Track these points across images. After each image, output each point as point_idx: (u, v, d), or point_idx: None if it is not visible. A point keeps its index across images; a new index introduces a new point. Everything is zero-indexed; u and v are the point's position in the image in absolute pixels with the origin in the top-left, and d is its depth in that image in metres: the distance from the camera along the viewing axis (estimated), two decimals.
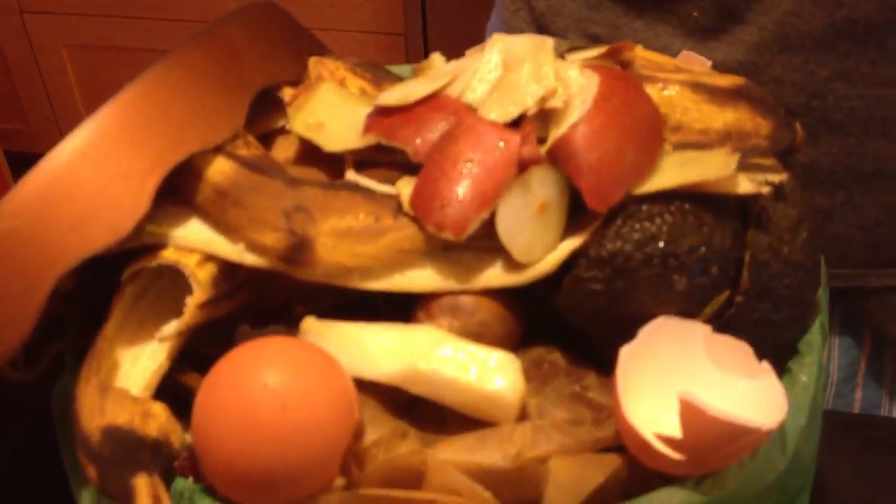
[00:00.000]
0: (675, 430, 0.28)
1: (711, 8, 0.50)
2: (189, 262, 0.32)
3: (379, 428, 0.30)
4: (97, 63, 1.89)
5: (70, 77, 1.92)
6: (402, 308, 0.32)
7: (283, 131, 0.36)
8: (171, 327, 0.32)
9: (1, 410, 0.45)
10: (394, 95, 0.33)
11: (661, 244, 0.30)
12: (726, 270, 0.31)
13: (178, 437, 0.30)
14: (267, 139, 0.36)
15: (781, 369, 0.32)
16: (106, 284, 0.34)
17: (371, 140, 0.33)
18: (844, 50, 0.49)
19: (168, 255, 0.32)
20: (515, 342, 0.32)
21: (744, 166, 0.32)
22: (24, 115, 1.99)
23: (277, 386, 0.28)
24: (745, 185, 0.31)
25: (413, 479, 0.29)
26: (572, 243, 0.31)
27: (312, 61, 0.37)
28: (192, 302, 0.31)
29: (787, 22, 0.50)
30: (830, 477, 0.44)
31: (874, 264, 0.57)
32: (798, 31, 0.49)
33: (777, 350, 0.32)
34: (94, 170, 0.31)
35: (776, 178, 0.32)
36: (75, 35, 1.87)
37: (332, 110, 0.34)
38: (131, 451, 0.29)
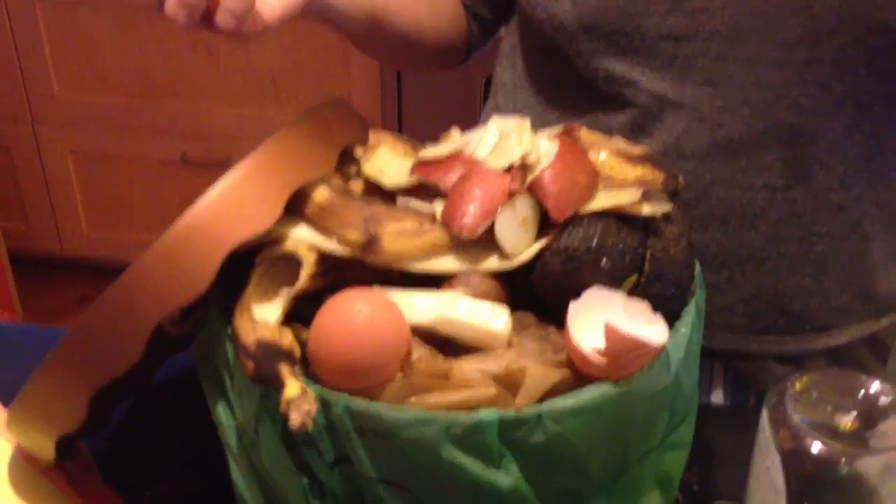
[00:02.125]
0: (601, 346, 0.47)
1: (627, 124, 0.71)
2: (301, 250, 0.51)
3: (420, 349, 0.49)
4: (99, 170, 2.07)
5: (73, 183, 2.10)
6: (436, 283, 0.51)
7: (355, 175, 0.55)
8: (289, 291, 0.50)
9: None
10: (430, 152, 0.53)
11: (595, 241, 0.50)
12: (635, 261, 0.51)
13: (297, 348, 0.48)
14: (345, 181, 0.55)
15: (669, 326, 0.51)
16: (238, 269, 0.52)
17: (415, 180, 0.53)
18: (723, 161, 0.70)
19: (288, 245, 0.51)
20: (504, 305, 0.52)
21: (647, 199, 0.52)
22: (26, 216, 2.14)
23: (367, 310, 0.47)
24: (647, 209, 0.51)
25: (443, 378, 0.48)
26: (541, 243, 0.51)
27: (371, 132, 0.57)
28: (304, 273, 0.50)
29: (682, 138, 0.70)
30: None
31: (753, 331, 0.76)
32: (690, 145, 0.69)
33: (666, 314, 0.51)
34: (249, 189, 0.50)
35: (667, 207, 0.52)
36: (81, 143, 2.05)
37: (388, 161, 0.54)
38: (274, 353, 0.47)
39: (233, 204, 0.49)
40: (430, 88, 1.77)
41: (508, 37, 0.82)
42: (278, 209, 0.49)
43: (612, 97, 0.70)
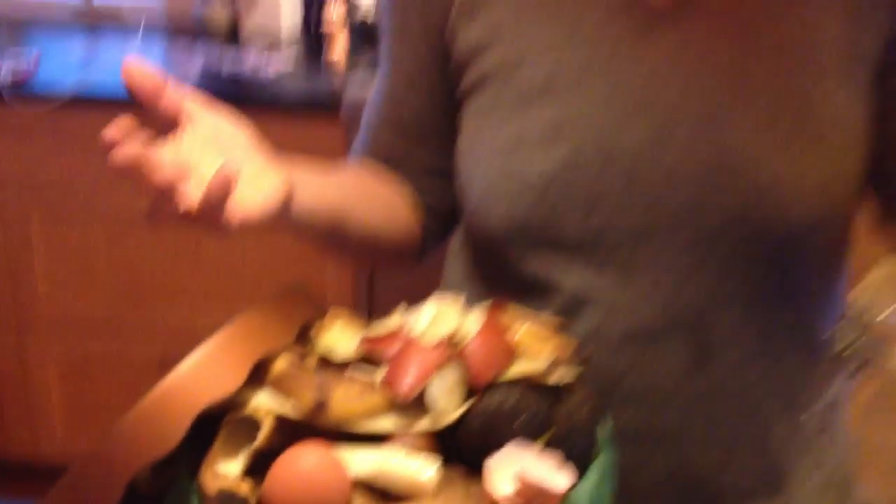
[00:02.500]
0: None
1: (556, 312, 0.81)
2: (260, 414, 0.59)
3: (360, 499, 0.57)
4: (80, 375, 2.14)
5: (52, 388, 2.16)
6: (380, 439, 0.60)
7: (310, 351, 0.65)
8: (249, 449, 0.59)
9: None
10: (375, 330, 0.63)
11: (510, 405, 0.59)
12: (546, 422, 0.60)
13: (254, 497, 0.56)
14: (303, 354, 0.65)
15: (577, 478, 0.59)
16: (200, 435, 0.60)
17: (362, 353, 0.62)
18: (635, 348, 0.78)
19: (249, 410, 0.59)
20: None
21: (555, 369, 0.61)
22: (2, 419, 2.19)
23: (313, 464, 0.55)
24: (555, 378, 0.61)
25: None
26: (465, 406, 0.60)
27: (331, 310, 0.67)
28: (262, 434, 0.58)
29: (599, 328, 0.78)
30: None
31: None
32: (606, 335, 0.78)
33: (574, 467, 0.59)
34: (217, 361, 0.59)
35: (572, 376, 0.62)
36: (63, 350, 2.13)
37: (341, 337, 0.64)
38: (232, 500, 0.55)
39: (202, 373, 0.58)
40: (398, 284, 1.91)
41: (455, 239, 0.94)
42: (241, 378, 0.59)
43: (539, 293, 0.81)
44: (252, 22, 2.39)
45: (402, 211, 0.93)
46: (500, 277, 0.84)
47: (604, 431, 0.64)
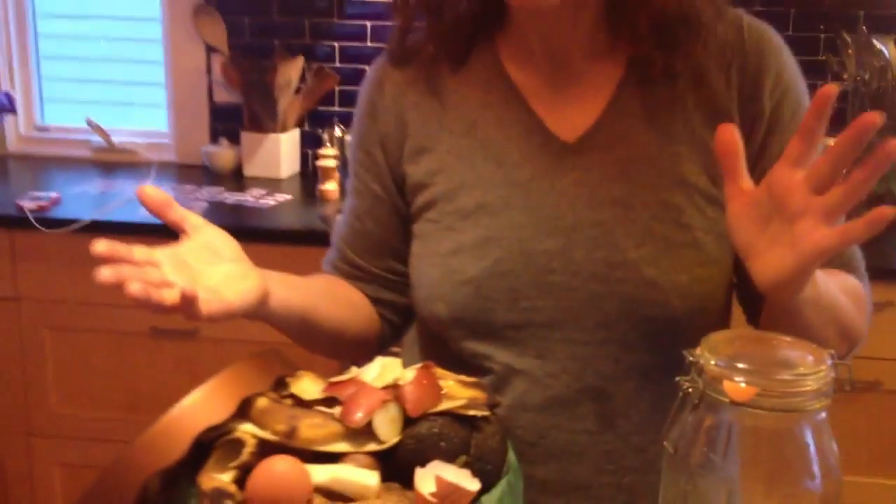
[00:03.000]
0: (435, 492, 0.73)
1: (490, 382, 1.00)
2: (245, 437, 0.78)
3: (319, 499, 0.74)
4: (84, 480, 2.28)
5: (57, 490, 2.30)
6: (335, 459, 0.78)
7: (286, 394, 0.84)
8: (236, 463, 0.76)
9: None
10: (335, 379, 0.82)
11: (436, 431, 0.77)
12: (464, 446, 0.78)
13: (239, 494, 0.74)
14: (279, 396, 0.83)
15: (485, 491, 0.77)
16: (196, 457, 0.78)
17: (325, 394, 0.81)
18: (553, 412, 0.98)
19: (237, 434, 0.78)
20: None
21: (472, 406, 0.80)
22: None
23: (283, 469, 0.73)
24: (472, 412, 0.79)
25: None
26: (402, 433, 0.78)
27: (300, 372, 0.86)
28: (246, 451, 0.77)
29: (524, 395, 0.98)
30: None
31: None
32: (530, 401, 0.98)
33: (484, 482, 0.77)
34: (210, 398, 0.78)
35: (486, 412, 0.80)
36: (69, 455, 2.28)
37: (307, 385, 0.83)
38: (222, 494, 0.72)
39: (200, 407, 0.77)
40: None
41: (410, 332, 1.14)
42: (230, 411, 0.77)
43: (476, 368, 1.00)
44: (254, 161, 2.65)
45: (365, 310, 1.13)
46: (446, 356, 1.03)
47: (510, 457, 0.82)
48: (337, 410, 0.80)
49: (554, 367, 0.98)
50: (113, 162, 2.80)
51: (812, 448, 0.76)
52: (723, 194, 0.99)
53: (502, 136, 1.03)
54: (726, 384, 0.74)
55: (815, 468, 0.76)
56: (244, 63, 2.63)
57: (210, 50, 2.71)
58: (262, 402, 0.80)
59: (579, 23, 0.99)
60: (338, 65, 2.70)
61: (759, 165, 0.96)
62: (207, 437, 0.78)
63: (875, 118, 0.73)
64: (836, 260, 1.00)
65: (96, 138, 2.79)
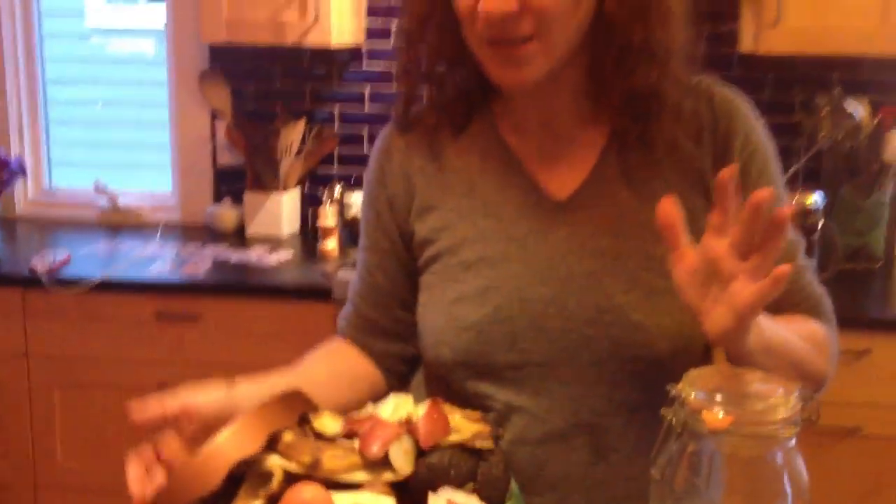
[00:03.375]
0: None
1: (492, 419, 1.09)
2: (274, 469, 0.86)
3: None
4: None
5: None
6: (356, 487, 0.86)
7: (309, 429, 0.92)
8: (265, 492, 0.85)
9: None
10: (353, 415, 0.91)
11: (447, 460, 0.86)
12: (472, 473, 0.86)
13: None
14: (303, 430, 0.92)
15: None
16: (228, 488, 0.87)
17: (345, 430, 0.90)
18: (551, 445, 1.06)
19: (266, 466, 0.86)
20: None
21: (478, 438, 0.88)
22: None
23: (309, 496, 0.81)
24: (478, 444, 0.88)
25: None
26: (415, 463, 0.87)
27: (320, 410, 0.94)
28: (274, 482, 0.85)
29: (524, 430, 1.06)
30: None
31: None
32: (529, 436, 1.06)
33: None
34: (242, 436, 0.86)
35: (490, 445, 0.89)
36: None
37: (328, 422, 0.91)
38: None
39: (233, 442, 0.85)
40: None
41: (417, 376, 1.22)
42: (260, 445, 0.86)
43: (478, 406, 1.09)
44: (257, 220, 2.74)
45: (368, 379, 1.20)
46: (451, 396, 1.11)
47: (512, 485, 0.90)
48: (356, 443, 0.88)
49: (550, 404, 1.07)
50: (119, 223, 2.89)
51: (784, 472, 0.84)
52: None
53: (500, 196, 1.13)
54: (705, 414, 0.83)
55: (788, 490, 0.84)
56: (248, 126, 2.74)
57: (214, 114, 2.83)
58: (287, 437, 0.88)
59: (563, 95, 1.10)
60: (337, 127, 2.82)
61: None
62: (238, 469, 0.86)
63: (764, 195, 0.84)
64: (802, 304, 1.10)
65: (102, 200, 2.89)
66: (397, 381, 1.23)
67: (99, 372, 2.34)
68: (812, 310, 1.10)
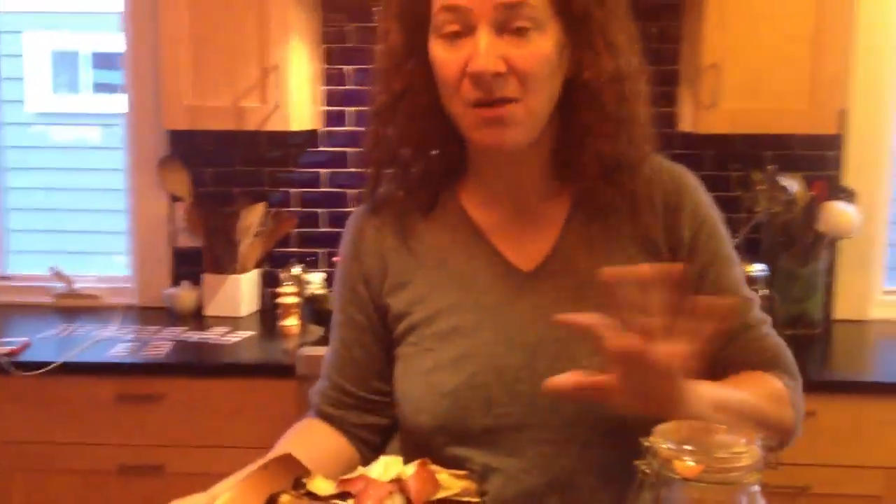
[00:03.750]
0: None
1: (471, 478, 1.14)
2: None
3: None
4: None
5: None
6: None
7: (304, 492, 0.96)
8: None
9: None
10: (346, 476, 0.96)
11: None
12: None
13: None
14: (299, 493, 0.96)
15: None
16: None
17: (338, 490, 0.94)
18: (525, 502, 1.13)
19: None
20: None
21: (465, 494, 0.94)
22: None
23: None
24: (467, 498, 0.93)
25: None
26: None
27: (313, 473, 0.99)
28: None
29: (501, 489, 1.12)
30: None
31: None
32: (505, 494, 1.10)
33: None
34: (242, 498, 0.90)
35: (478, 499, 0.94)
36: None
37: (321, 484, 0.96)
38: None
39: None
40: None
41: (392, 443, 1.27)
42: None
43: (458, 468, 1.14)
44: (215, 301, 2.78)
45: (344, 455, 1.23)
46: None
47: None
48: (350, 503, 0.93)
49: (525, 464, 1.13)
50: (75, 307, 2.90)
51: None
52: None
53: (469, 269, 1.20)
54: (676, 463, 0.90)
55: None
56: (206, 209, 2.79)
57: (173, 198, 2.87)
58: (285, 499, 0.93)
59: (530, 167, 1.18)
60: (294, 208, 2.88)
61: (710, 291, 1.16)
62: None
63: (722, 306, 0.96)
64: (759, 359, 1.18)
65: (58, 285, 2.90)
66: (371, 453, 1.26)
67: (60, 456, 2.33)
68: (769, 363, 1.18)
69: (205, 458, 2.22)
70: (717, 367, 1.17)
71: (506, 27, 1.06)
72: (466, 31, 1.07)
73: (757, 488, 0.92)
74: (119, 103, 2.91)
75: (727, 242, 1.21)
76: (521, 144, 1.12)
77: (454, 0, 1.07)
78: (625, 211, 1.18)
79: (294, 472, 0.97)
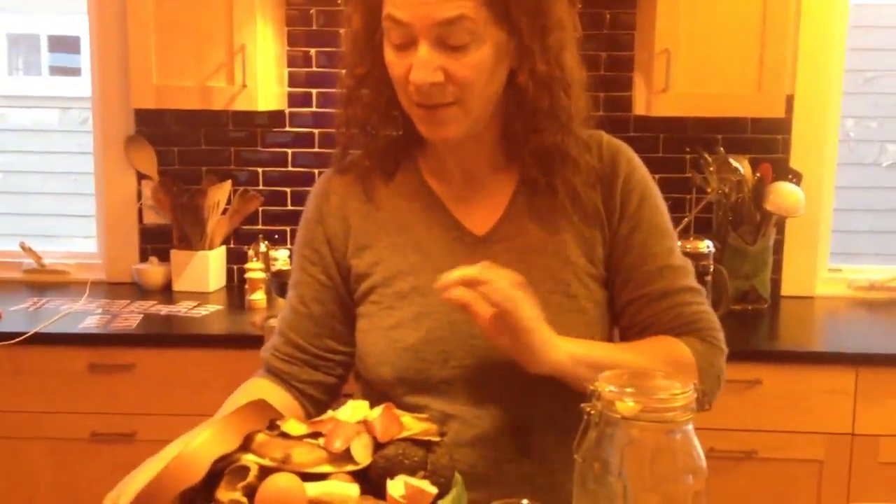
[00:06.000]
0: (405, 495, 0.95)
1: None
2: (249, 464, 0.98)
3: None
4: None
5: None
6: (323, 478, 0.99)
7: (278, 431, 1.05)
8: (242, 484, 0.97)
9: None
10: (317, 418, 1.04)
11: (401, 451, 1.00)
12: (422, 463, 1.00)
13: None
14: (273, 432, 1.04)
15: (441, 496, 0.99)
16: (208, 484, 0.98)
17: (310, 430, 1.03)
18: (481, 446, 1.21)
19: (242, 462, 0.98)
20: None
21: (426, 433, 1.03)
22: None
23: (283, 484, 0.94)
24: (428, 437, 1.02)
25: None
26: (373, 455, 1.00)
27: (285, 416, 1.07)
28: (250, 475, 0.97)
29: (457, 434, 1.20)
30: None
31: None
32: (463, 438, 1.20)
33: (440, 491, 0.99)
34: (221, 436, 0.98)
35: (437, 438, 1.03)
36: None
37: (294, 425, 1.04)
38: None
39: (214, 440, 0.98)
40: None
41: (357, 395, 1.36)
42: (237, 444, 0.98)
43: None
44: (183, 277, 2.84)
45: (288, 412, 1.28)
46: None
47: (457, 474, 1.04)
48: (320, 441, 1.01)
49: (479, 411, 1.22)
50: (44, 282, 2.94)
51: (683, 451, 1.00)
52: (600, 272, 1.27)
53: (427, 233, 1.29)
54: (618, 404, 0.99)
55: (688, 467, 1.00)
56: (174, 187, 2.85)
57: (141, 176, 2.93)
58: (260, 437, 1.01)
59: (479, 148, 1.28)
60: (261, 187, 2.95)
61: (616, 250, 1.27)
62: (217, 467, 0.98)
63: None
64: (673, 324, 1.26)
65: (27, 261, 2.94)
66: (316, 411, 1.33)
67: (32, 424, 2.38)
68: (684, 329, 1.27)
69: (175, 426, 2.25)
70: (634, 328, 1.28)
71: (445, 42, 1.15)
72: (409, 42, 1.17)
73: (690, 427, 1.02)
74: (77, 86, 2.96)
75: (660, 213, 1.31)
76: (463, 138, 1.23)
77: (397, 15, 1.16)
78: (566, 191, 1.27)
79: (268, 416, 1.05)
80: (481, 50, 1.16)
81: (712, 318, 1.30)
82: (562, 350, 1.15)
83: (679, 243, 1.35)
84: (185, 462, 0.96)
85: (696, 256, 2.46)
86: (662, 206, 1.31)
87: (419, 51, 1.15)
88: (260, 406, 1.06)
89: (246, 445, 1.00)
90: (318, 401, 1.35)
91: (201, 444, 0.97)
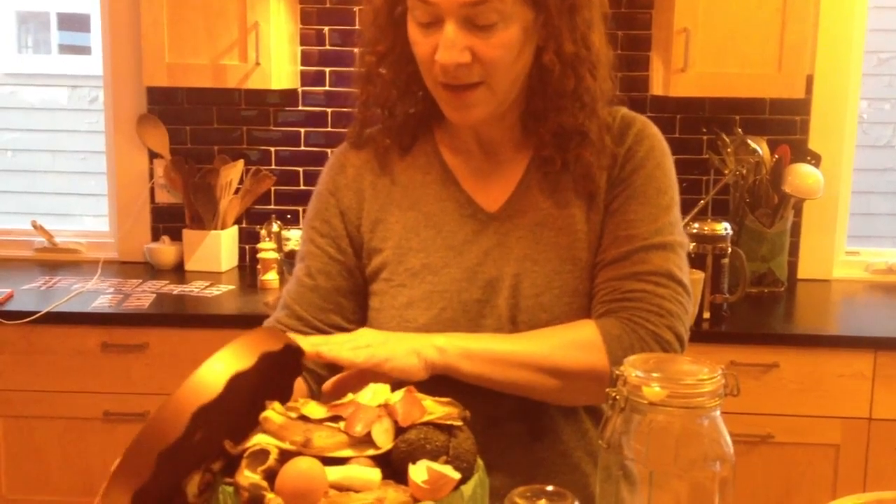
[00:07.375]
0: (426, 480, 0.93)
1: None
2: (269, 447, 0.96)
3: (333, 491, 0.93)
4: None
5: None
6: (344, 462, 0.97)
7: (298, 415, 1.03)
8: (261, 468, 0.95)
9: None
10: (337, 402, 1.02)
11: (423, 436, 0.98)
12: (444, 447, 0.99)
13: (269, 489, 0.92)
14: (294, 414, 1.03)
15: (463, 482, 0.97)
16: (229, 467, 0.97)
17: (330, 413, 1.01)
18: (494, 430, 1.20)
19: (261, 444, 0.97)
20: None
21: (448, 418, 1.01)
22: None
23: (304, 467, 0.92)
24: (450, 422, 1.00)
25: None
26: (395, 439, 0.99)
27: (303, 399, 1.06)
28: (271, 458, 0.95)
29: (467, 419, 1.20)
30: None
31: None
32: (475, 420, 1.20)
33: (462, 476, 0.97)
34: (236, 355, 0.97)
35: (459, 423, 1.01)
36: None
37: (314, 408, 1.03)
38: (258, 487, 0.91)
39: (229, 359, 0.96)
40: None
41: None
42: (252, 363, 0.96)
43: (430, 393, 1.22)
44: (196, 257, 2.82)
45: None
46: None
47: (479, 458, 1.03)
48: (341, 425, 1.00)
49: (490, 395, 1.20)
50: (56, 261, 2.93)
51: (711, 438, 0.99)
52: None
53: (439, 208, 1.28)
54: (645, 390, 0.97)
55: (714, 453, 0.98)
56: (186, 166, 2.83)
57: (153, 155, 2.91)
58: (280, 420, 0.99)
59: (503, 127, 1.26)
60: (273, 167, 2.93)
61: (610, 222, 1.23)
62: (237, 451, 0.96)
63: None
64: (604, 304, 1.21)
65: (39, 239, 2.93)
66: (317, 385, 1.30)
67: (45, 403, 2.38)
68: (615, 305, 1.20)
69: None
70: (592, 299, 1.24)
71: (472, 22, 1.13)
72: (436, 22, 1.14)
73: (718, 413, 1.00)
74: (87, 64, 2.93)
75: (654, 184, 1.24)
76: (487, 119, 1.21)
77: None
78: (583, 167, 1.24)
79: (281, 340, 1.03)
80: (509, 29, 1.14)
81: (665, 304, 1.19)
82: (430, 351, 1.15)
83: (689, 224, 1.32)
84: (201, 379, 0.94)
85: (713, 239, 2.44)
86: (662, 180, 1.25)
87: (446, 30, 1.13)
88: (273, 331, 1.05)
89: (266, 427, 0.98)
90: (321, 377, 1.33)
91: (219, 359, 0.96)
